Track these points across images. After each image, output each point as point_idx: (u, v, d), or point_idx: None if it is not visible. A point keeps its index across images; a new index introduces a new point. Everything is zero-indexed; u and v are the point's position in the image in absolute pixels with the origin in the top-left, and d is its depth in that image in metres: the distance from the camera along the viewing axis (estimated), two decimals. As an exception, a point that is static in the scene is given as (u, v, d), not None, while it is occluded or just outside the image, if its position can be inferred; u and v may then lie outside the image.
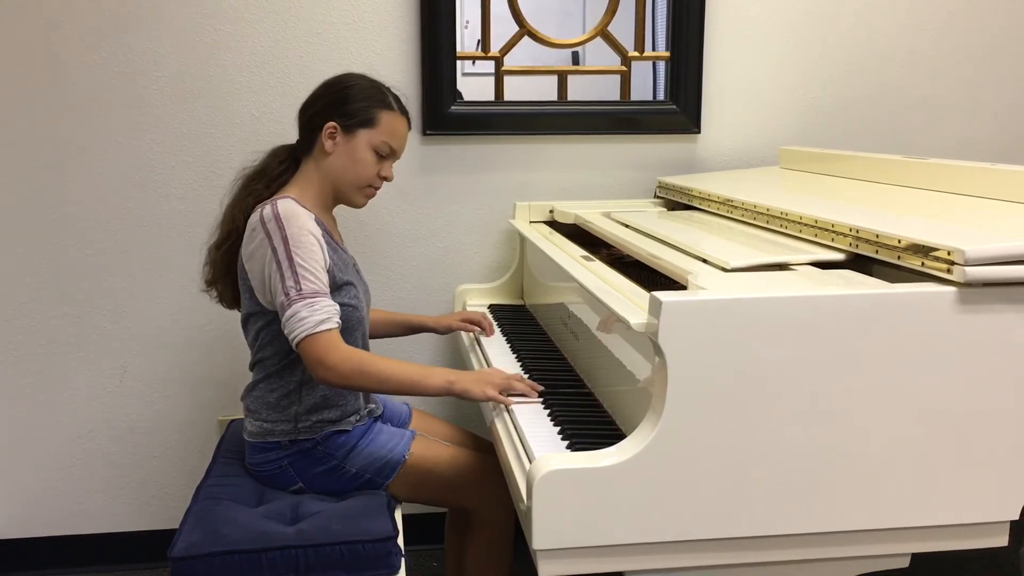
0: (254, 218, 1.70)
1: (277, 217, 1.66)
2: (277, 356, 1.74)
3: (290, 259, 1.63)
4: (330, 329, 1.61)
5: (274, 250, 1.64)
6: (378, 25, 2.38)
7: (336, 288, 1.71)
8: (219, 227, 1.82)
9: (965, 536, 1.40)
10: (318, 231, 1.70)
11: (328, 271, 1.69)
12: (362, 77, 1.83)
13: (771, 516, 1.34)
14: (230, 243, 1.79)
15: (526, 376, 1.75)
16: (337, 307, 1.65)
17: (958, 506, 1.38)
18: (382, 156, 1.81)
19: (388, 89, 1.83)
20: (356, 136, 1.77)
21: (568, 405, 1.62)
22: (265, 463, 1.76)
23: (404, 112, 1.84)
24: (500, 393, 1.64)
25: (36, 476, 2.46)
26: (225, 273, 1.82)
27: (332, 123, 1.76)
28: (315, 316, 1.60)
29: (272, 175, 1.80)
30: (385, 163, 1.82)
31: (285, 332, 1.62)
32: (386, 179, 1.84)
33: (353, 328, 1.76)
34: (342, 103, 1.77)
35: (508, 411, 1.61)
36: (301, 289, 1.61)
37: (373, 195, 1.85)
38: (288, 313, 1.60)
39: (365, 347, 1.84)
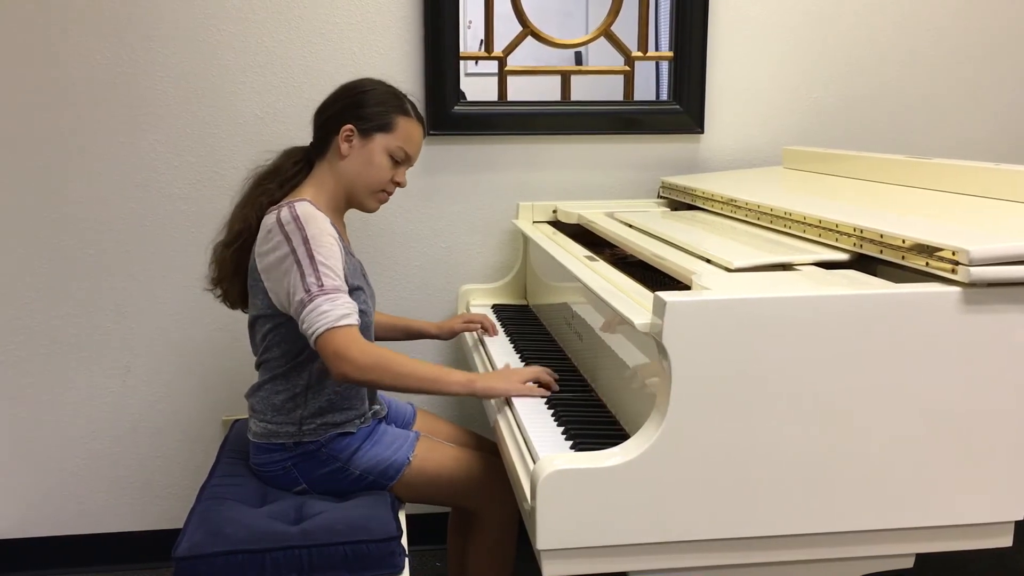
0: (270, 219, 1.70)
1: (296, 218, 1.66)
2: (284, 358, 1.74)
3: (311, 257, 1.62)
4: (351, 325, 1.60)
5: (294, 250, 1.63)
6: (381, 25, 2.38)
7: (348, 293, 1.71)
8: (228, 226, 1.81)
9: (969, 536, 1.40)
10: (335, 233, 1.70)
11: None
12: (379, 83, 1.83)
13: (775, 516, 1.34)
14: (241, 242, 1.78)
15: (522, 366, 1.77)
16: (356, 305, 1.64)
17: (962, 506, 1.38)
18: (397, 162, 1.81)
19: (405, 96, 1.84)
20: (372, 140, 1.77)
21: (572, 405, 1.62)
22: (269, 464, 1.76)
23: (420, 119, 1.84)
24: (526, 384, 1.64)
25: (39, 476, 2.47)
26: (232, 273, 1.81)
27: (349, 126, 1.76)
28: (337, 311, 1.59)
29: (286, 175, 1.80)
30: (399, 169, 1.83)
31: (303, 327, 1.61)
32: (400, 185, 1.84)
33: (362, 331, 1.75)
34: (359, 106, 1.77)
35: (512, 411, 1.61)
36: (323, 285, 1.60)
37: (386, 200, 1.86)
38: (309, 307, 1.59)
39: None
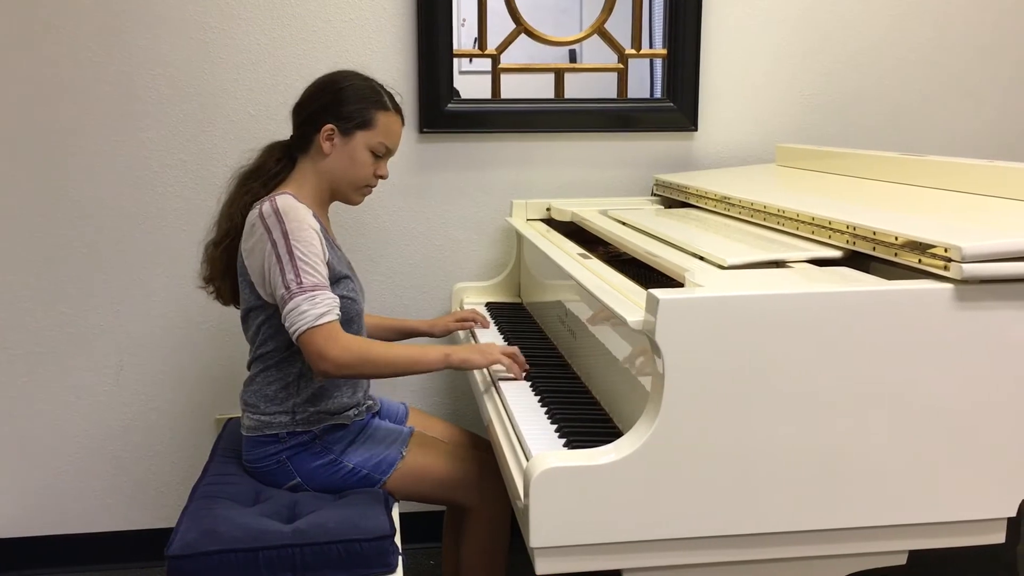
0: (253, 214, 1.71)
1: (276, 212, 1.67)
2: (278, 349, 1.75)
3: (290, 252, 1.63)
4: (331, 321, 1.62)
5: (274, 244, 1.65)
6: (374, 23, 2.37)
7: (334, 282, 1.72)
8: (216, 225, 1.83)
9: (962, 533, 1.41)
10: (317, 225, 1.71)
11: (327, 265, 1.70)
12: (355, 75, 1.83)
13: (768, 513, 1.34)
14: (228, 241, 1.80)
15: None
16: (337, 299, 1.66)
17: (955, 503, 1.38)
18: (378, 156, 1.82)
19: (382, 87, 1.83)
20: (354, 138, 1.78)
21: (565, 403, 1.62)
22: (263, 458, 1.76)
23: (398, 110, 1.84)
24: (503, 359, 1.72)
25: (32, 475, 2.46)
26: (223, 271, 1.83)
27: (330, 125, 1.76)
28: (316, 309, 1.61)
29: (269, 174, 1.81)
30: (381, 162, 1.83)
31: (286, 325, 1.63)
32: (382, 177, 1.85)
33: (352, 319, 1.78)
34: (339, 105, 1.77)
35: (505, 409, 1.62)
36: (302, 282, 1.62)
37: (370, 192, 1.86)
38: (289, 306, 1.62)
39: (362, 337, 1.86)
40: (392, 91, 1.85)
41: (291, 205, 1.69)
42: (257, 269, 1.70)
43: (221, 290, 1.86)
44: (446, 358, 1.69)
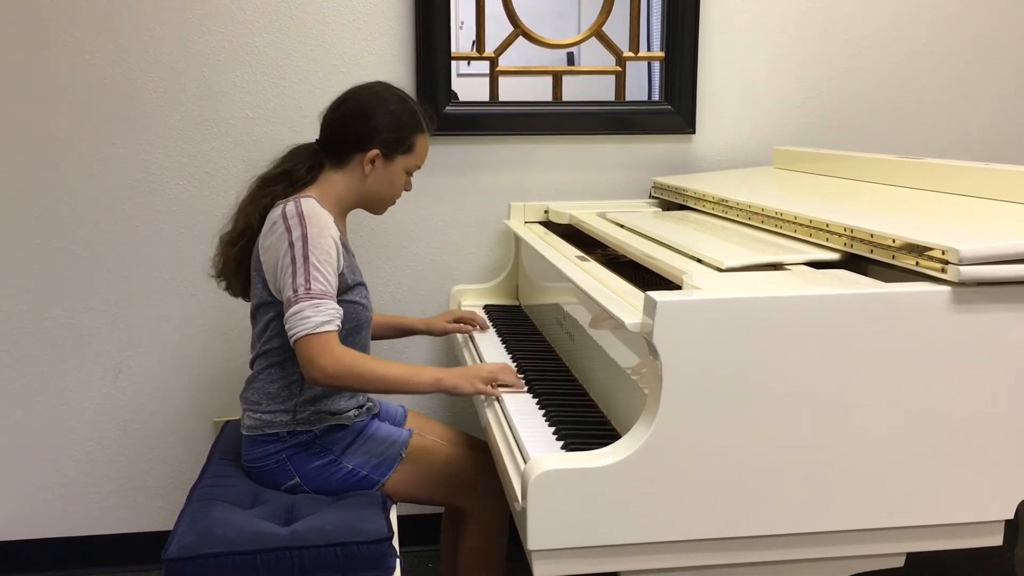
0: (275, 212, 1.73)
1: (300, 214, 1.69)
2: (284, 347, 1.75)
3: (305, 257, 1.64)
4: (329, 331, 1.62)
5: (291, 244, 1.66)
6: (373, 26, 2.38)
7: (349, 288, 1.74)
8: (233, 222, 1.83)
9: (960, 535, 1.41)
10: (337, 234, 1.72)
11: (341, 274, 1.71)
12: (394, 96, 1.82)
13: (766, 516, 1.34)
14: (244, 242, 1.81)
15: (514, 366, 1.79)
16: (340, 310, 1.66)
17: (953, 505, 1.38)
18: (409, 173, 1.86)
19: (418, 108, 1.85)
20: (395, 162, 1.81)
21: (563, 405, 1.62)
22: (263, 457, 1.76)
23: (429, 127, 1.87)
24: (489, 385, 1.68)
25: (30, 478, 2.45)
26: (236, 268, 1.84)
27: (376, 151, 1.78)
28: (318, 317, 1.61)
29: (299, 184, 1.80)
30: (409, 177, 1.88)
31: (286, 327, 1.64)
32: (407, 190, 1.89)
33: (363, 326, 1.80)
34: (385, 131, 1.78)
35: (503, 412, 1.61)
36: (310, 288, 1.63)
37: (393, 203, 1.90)
38: (293, 309, 1.62)
39: (368, 345, 1.87)
40: (420, 106, 1.86)
41: (315, 211, 1.70)
42: (271, 266, 1.70)
43: (232, 284, 1.87)
44: (438, 382, 1.67)
